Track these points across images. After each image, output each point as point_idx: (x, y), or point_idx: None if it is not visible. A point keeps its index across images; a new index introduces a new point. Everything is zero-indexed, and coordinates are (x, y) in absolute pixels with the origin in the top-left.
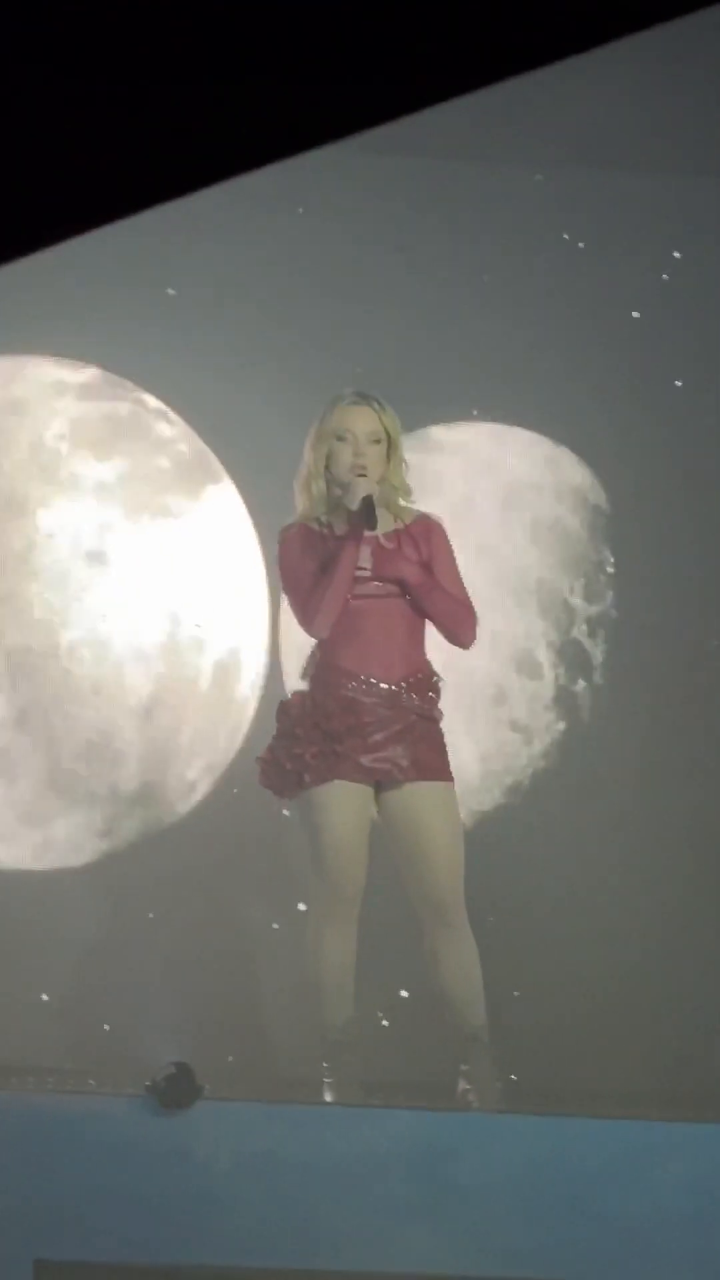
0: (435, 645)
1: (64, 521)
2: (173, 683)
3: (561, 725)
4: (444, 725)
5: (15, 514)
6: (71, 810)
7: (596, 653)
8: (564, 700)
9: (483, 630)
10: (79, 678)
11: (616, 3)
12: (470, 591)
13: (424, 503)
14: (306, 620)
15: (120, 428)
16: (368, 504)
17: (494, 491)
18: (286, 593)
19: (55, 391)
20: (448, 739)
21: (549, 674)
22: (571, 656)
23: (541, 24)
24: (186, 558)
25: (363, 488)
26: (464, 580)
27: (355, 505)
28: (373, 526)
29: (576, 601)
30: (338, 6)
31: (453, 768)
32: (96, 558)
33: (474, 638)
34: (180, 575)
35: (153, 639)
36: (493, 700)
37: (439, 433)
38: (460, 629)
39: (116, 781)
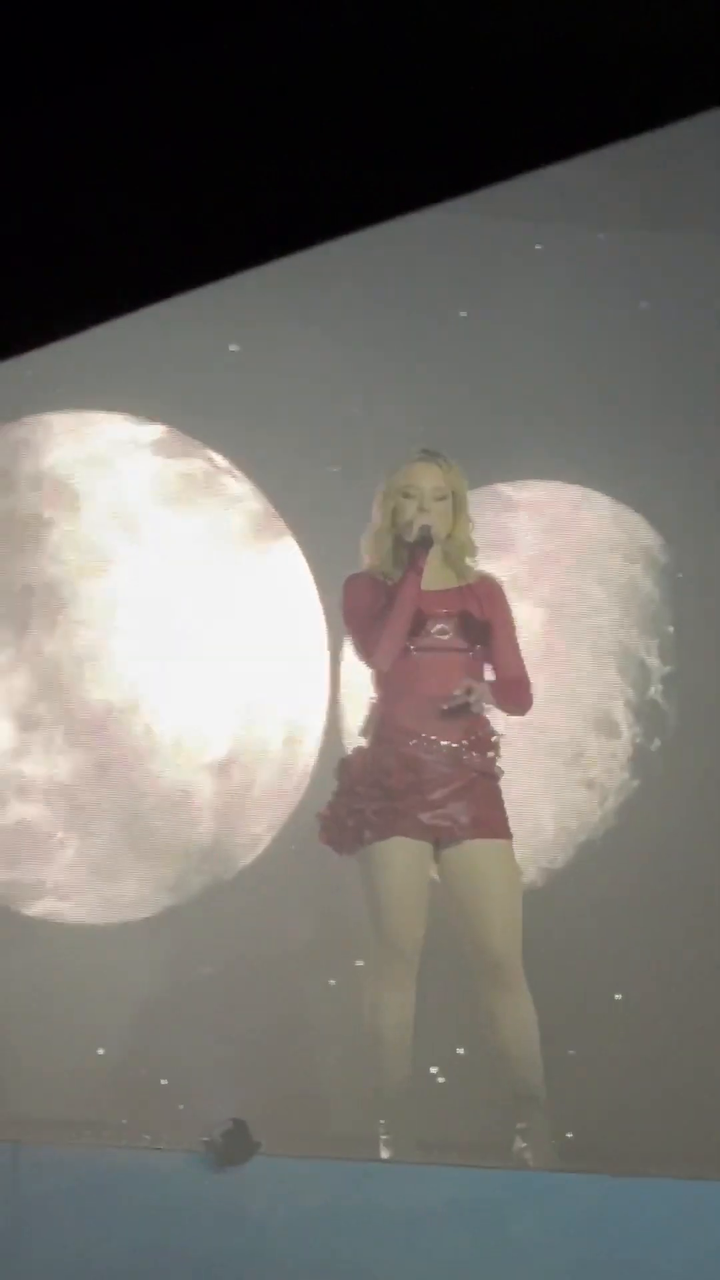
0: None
1: (146, 578)
2: (248, 739)
3: (636, 784)
4: (520, 784)
5: (99, 571)
6: (144, 865)
7: (672, 712)
8: (640, 759)
9: (562, 689)
10: (160, 734)
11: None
12: (549, 650)
13: (500, 561)
14: (367, 653)
15: (194, 485)
16: (425, 531)
17: (568, 550)
18: (349, 631)
19: (131, 448)
20: (524, 797)
21: (626, 733)
22: (648, 716)
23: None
24: (259, 614)
25: (421, 520)
26: (543, 638)
27: (413, 536)
28: (428, 547)
29: (653, 661)
30: (406, 89)
31: (527, 826)
32: (179, 614)
33: (530, 704)
34: (254, 632)
35: (230, 695)
36: (570, 759)
37: (507, 490)
38: (521, 697)
39: (191, 837)
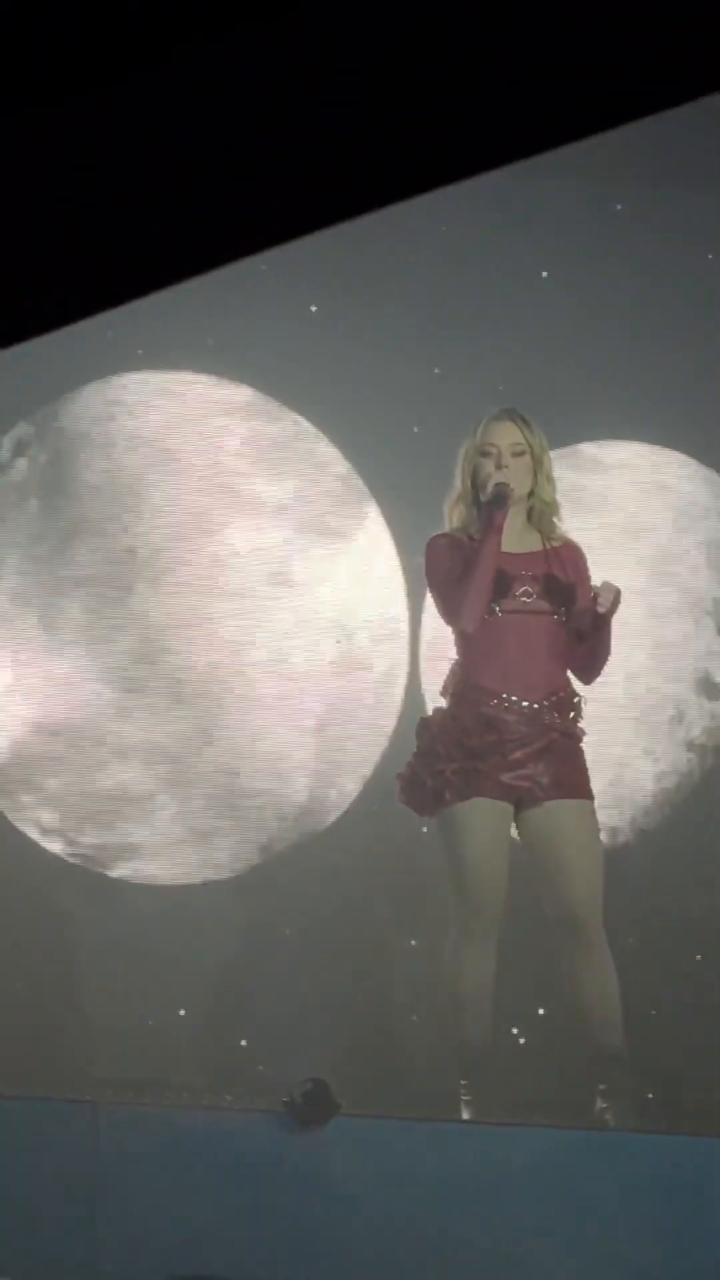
0: (620, 665)
1: (248, 541)
2: (344, 700)
3: None
4: (620, 745)
5: (201, 533)
6: (239, 827)
7: None
8: None
9: (664, 650)
10: (263, 695)
11: None
12: (650, 611)
13: (595, 521)
14: (451, 615)
15: (287, 447)
16: (500, 488)
17: (664, 511)
18: (432, 592)
19: (223, 409)
20: (624, 758)
21: None
22: None
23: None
24: (353, 577)
25: (497, 477)
26: (645, 600)
27: (488, 494)
28: (503, 505)
29: None
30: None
31: (627, 787)
32: (278, 577)
33: (598, 674)
34: (348, 594)
35: (328, 656)
36: (671, 720)
37: (592, 450)
38: (600, 667)
39: (287, 796)
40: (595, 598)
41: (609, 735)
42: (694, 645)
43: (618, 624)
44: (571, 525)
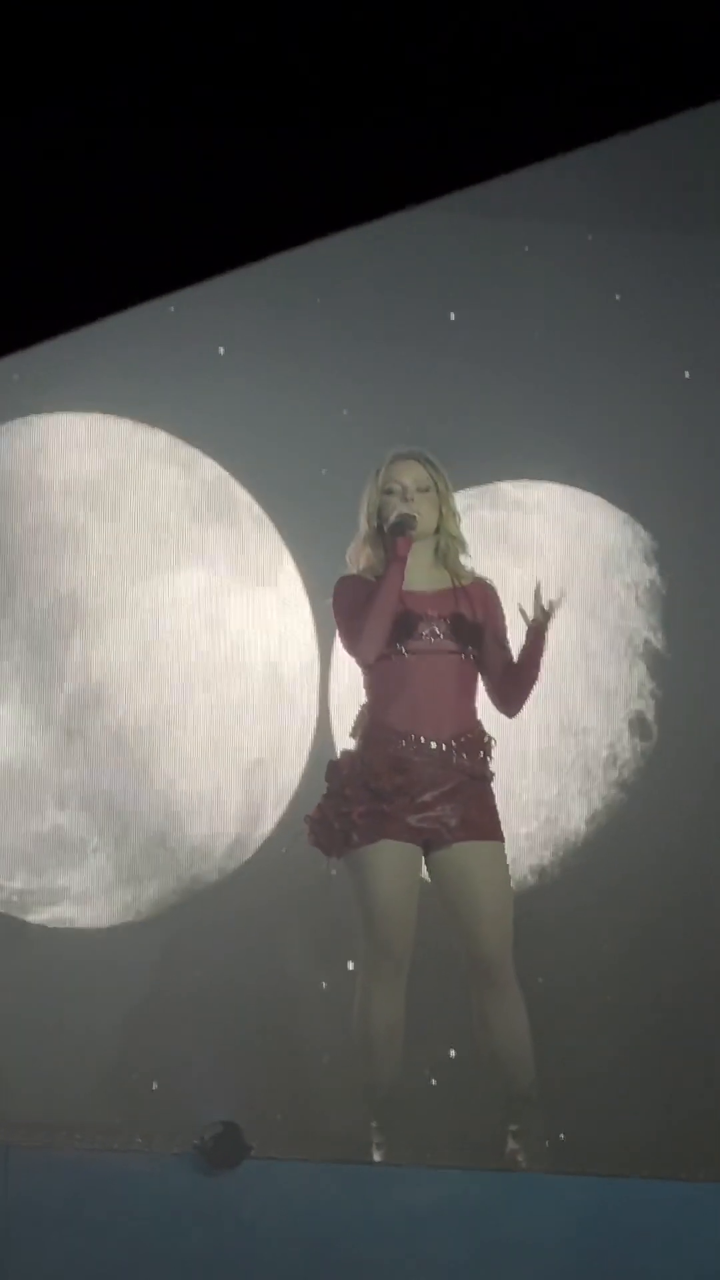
0: (555, 706)
1: (178, 587)
2: (268, 743)
3: (661, 788)
4: (556, 786)
5: (139, 579)
6: (168, 869)
7: (700, 714)
8: (667, 760)
9: (599, 692)
10: (200, 738)
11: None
12: (583, 652)
13: (524, 564)
14: (352, 642)
15: (210, 493)
16: (403, 518)
17: (590, 552)
18: (338, 624)
19: (150, 454)
20: (559, 800)
21: (657, 734)
22: (678, 717)
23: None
24: (277, 619)
25: (402, 508)
26: (578, 642)
27: (390, 523)
28: (404, 533)
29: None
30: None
31: (559, 828)
32: (209, 622)
33: (518, 710)
34: (273, 636)
35: (260, 700)
36: (605, 761)
37: (511, 489)
38: (524, 699)
39: (213, 840)
40: (547, 614)
41: (542, 776)
42: (627, 686)
43: (552, 664)
44: (498, 567)
